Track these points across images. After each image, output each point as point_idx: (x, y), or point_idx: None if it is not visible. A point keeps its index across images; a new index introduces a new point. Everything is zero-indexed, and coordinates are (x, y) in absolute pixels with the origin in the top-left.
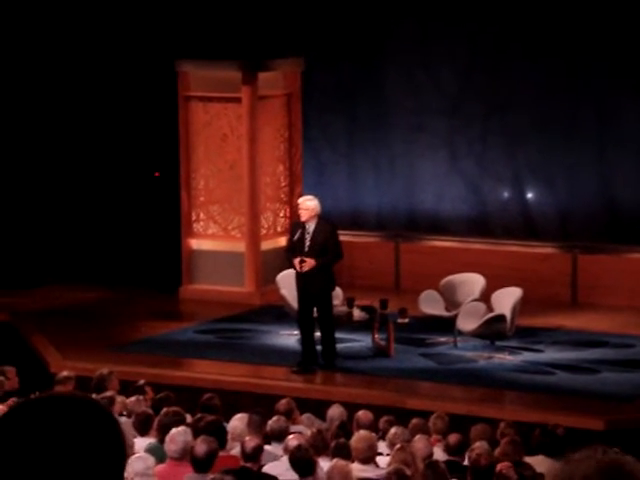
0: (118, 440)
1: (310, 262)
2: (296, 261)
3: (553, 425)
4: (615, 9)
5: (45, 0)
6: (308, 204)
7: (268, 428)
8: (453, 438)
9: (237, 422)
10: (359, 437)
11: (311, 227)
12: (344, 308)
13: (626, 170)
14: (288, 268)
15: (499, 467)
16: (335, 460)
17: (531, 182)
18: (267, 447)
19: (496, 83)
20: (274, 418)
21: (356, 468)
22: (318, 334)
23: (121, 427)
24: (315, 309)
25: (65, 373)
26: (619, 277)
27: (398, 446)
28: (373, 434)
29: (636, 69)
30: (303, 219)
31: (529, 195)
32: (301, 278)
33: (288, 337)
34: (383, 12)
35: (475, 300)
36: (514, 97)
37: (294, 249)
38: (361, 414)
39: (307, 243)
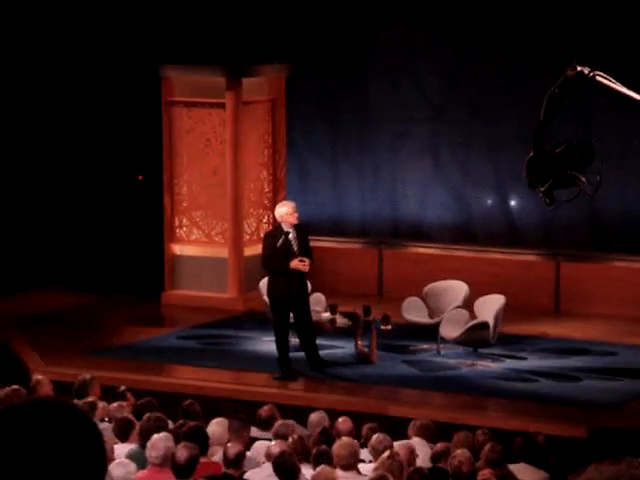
0: (98, 446)
1: (309, 261)
2: (296, 261)
3: (533, 433)
4: (599, 18)
5: (28, 6)
6: (295, 207)
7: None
8: (438, 446)
9: (216, 426)
10: (341, 444)
11: (293, 231)
12: (327, 314)
13: (608, 179)
14: None
15: (481, 475)
16: (321, 467)
17: (514, 189)
18: (249, 453)
19: (480, 91)
20: (279, 422)
21: (338, 475)
22: (295, 340)
23: (101, 432)
24: (292, 314)
25: (40, 377)
26: (602, 285)
27: (387, 453)
28: (355, 441)
29: (619, 77)
30: (297, 222)
31: (512, 202)
32: (288, 283)
33: (270, 343)
34: (368, 20)
35: (458, 307)
36: (498, 105)
37: (278, 256)
38: (340, 422)
39: (295, 247)
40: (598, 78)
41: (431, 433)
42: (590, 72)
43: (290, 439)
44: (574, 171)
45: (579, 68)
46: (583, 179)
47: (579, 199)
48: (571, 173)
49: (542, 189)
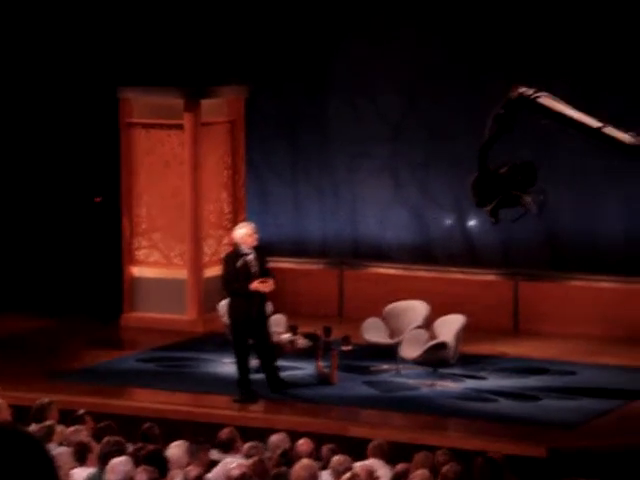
0: (50, 473)
1: (271, 282)
2: (256, 283)
3: (491, 452)
4: (562, 37)
5: None
6: (255, 228)
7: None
8: (399, 467)
9: (175, 449)
10: (301, 466)
11: (252, 253)
12: (287, 335)
13: (564, 199)
14: None
15: None
16: None
17: (474, 210)
18: (208, 475)
19: (439, 110)
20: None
21: None
22: (255, 362)
23: (53, 459)
24: (253, 336)
25: None
26: (560, 304)
27: (348, 475)
28: (315, 463)
29: (574, 99)
30: (256, 243)
31: (471, 223)
32: (248, 305)
33: (230, 365)
34: (326, 40)
35: (418, 327)
36: (457, 124)
37: (238, 278)
38: (300, 443)
39: (255, 268)
40: (539, 100)
41: (385, 453)
42: (533, 94)
43: (250, 461)
44: (518, 191)
45: (521, 90)
46: (528, 199)
47: (527, 219)
48: (515, 193)
49: (488, 208)
